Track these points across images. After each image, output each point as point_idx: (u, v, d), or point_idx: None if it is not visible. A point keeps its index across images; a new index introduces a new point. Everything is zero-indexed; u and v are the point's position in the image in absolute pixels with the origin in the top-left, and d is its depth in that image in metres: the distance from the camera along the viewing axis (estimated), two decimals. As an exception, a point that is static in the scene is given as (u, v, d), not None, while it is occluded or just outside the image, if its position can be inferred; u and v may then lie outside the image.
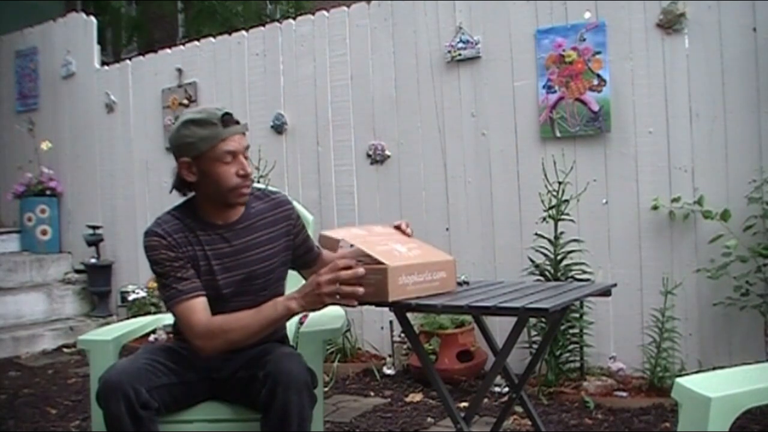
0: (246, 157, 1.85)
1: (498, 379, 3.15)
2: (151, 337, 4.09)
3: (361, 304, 1.71)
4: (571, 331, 3.19)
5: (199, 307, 1.78)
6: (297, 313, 1.71)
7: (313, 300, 1.65)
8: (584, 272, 3.18)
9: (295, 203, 2.10)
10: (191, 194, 1.93)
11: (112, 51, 9.73)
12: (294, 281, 2.01)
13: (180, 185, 1.91)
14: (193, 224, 1.87)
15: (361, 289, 1.62)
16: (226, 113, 1.82)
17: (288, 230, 1.98)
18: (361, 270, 1.63)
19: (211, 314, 1.78)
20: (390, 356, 3.74)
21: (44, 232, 5.49)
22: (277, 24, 4.52)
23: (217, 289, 1.85)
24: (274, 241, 1.94)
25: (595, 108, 3.30)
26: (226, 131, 1.80)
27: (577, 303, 3.08)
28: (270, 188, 2.10)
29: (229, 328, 1.73)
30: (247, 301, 1.84)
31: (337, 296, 1.63)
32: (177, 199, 1.98)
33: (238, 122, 1.84)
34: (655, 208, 3.17)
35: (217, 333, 1.73)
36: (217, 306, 1.81)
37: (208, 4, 8.79)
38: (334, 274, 1.62)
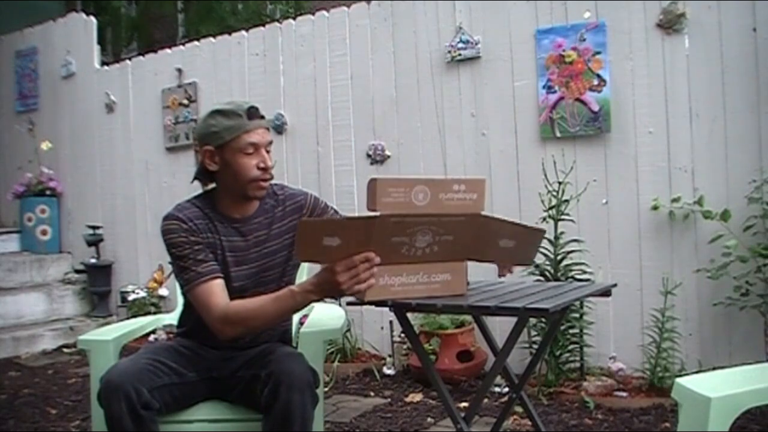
0: (268, 152, 1.88)
1: (498, 379, 3.15)
2: (151, 337, 4.10)
3: (351, 304, 1.72)
4: (571, 331, 3.19)
5: (217, 289, 1.79)
6: (317, 301, 1.70)
7: (332, 292, 1.62)
8: (584, 272, 3.18)
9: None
10: (211, 185, 1.95)
11: (112, 51, 9.72)
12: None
13: (202, 175, 1.93)
14: (211, 214, 1.90)
15: (375, 270, 1.58)
16: (253, 107, 1.86)
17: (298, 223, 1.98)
18: (377, 260, 1.58)
19: (228, 298, 1.79)
20: (390, 356, 3.74)
21: (44, 232, 5.49)
22: (277, 24, 4.53)
23: (230, 281, 1.87)
24: (282, 235, 1.95)
25: (595, 108, 3.30)
26: (250, 123, 1.83)
27: (577, 303, 3.08)
28: (283, 184, 2.11)
29: (248, 315, 1.73)
30: (255, 294, 1.84)
31: (355, 286, 1.58)
32: (180, 197, 1.99)
33: (263, 117, 1.88)
34: (655, 208, 3.18)
35: (235, 319, 1.74)
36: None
37: (204, 4, 8.79)
38: (354, 270, 1.55)
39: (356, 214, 1.67)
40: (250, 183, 1.85)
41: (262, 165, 1.85)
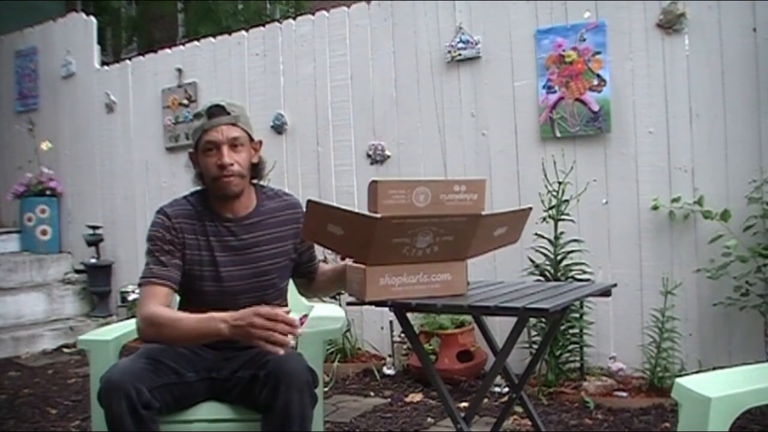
0: (235, 146, 1.85)
1: (498, 379, 3.15)
2: (151, 337, 4.09)
3: (351, 304, 1.72)
4: (571, 331, 3.18)
5: (159, 293, 1.80)
6: (224, 337, 1.66)
7: (243, 333, 1.61)
8: (584, 272, 3.18)
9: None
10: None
11: (112, 51, 9.73)
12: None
13: (197, 175, 1.95)
14: (203, 213, 1.91)
15: (291, 342, 1.59)
16: (216, 105, 1.86)
17: (296, 233, 1.97)
18: (299, 331, 1.60)
19: (167, 305, 1.80)
20: (390, 356, 3.74)
21: (44, 232, 5.49)
22: (277, 24, 4.53)
23: (221, 281, 1.87)
24: (281, 240, 1.95)
25: (595, 108, 3.30)
26: (209, 123, 1.84)
27: (577, 303, 3.08)
28: (283, 190, 2.11)
29: (166, 323, 1.74)
30: (253, 298, 1.84)
31: (260, 340, 1.57)
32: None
33: (229, 113, 1.86)
34: (655, 208, 3.17)
35: (154, 322, 1.75)
36: (225, 303, 1.80)
37: (203, 4, 8.78)
38: (272, 323, 1.57)
39: (359, 210, 1.67)
40: (213, 182, 1.86)
41: (218, 163, 1.84)
